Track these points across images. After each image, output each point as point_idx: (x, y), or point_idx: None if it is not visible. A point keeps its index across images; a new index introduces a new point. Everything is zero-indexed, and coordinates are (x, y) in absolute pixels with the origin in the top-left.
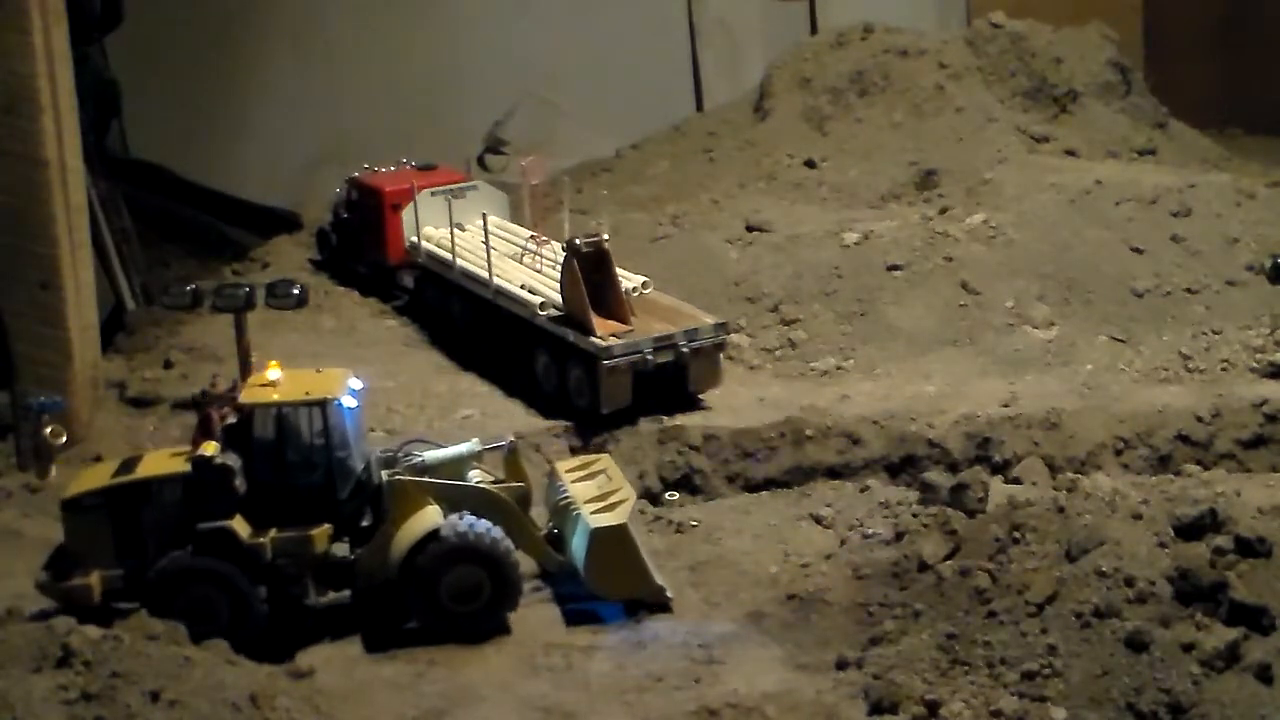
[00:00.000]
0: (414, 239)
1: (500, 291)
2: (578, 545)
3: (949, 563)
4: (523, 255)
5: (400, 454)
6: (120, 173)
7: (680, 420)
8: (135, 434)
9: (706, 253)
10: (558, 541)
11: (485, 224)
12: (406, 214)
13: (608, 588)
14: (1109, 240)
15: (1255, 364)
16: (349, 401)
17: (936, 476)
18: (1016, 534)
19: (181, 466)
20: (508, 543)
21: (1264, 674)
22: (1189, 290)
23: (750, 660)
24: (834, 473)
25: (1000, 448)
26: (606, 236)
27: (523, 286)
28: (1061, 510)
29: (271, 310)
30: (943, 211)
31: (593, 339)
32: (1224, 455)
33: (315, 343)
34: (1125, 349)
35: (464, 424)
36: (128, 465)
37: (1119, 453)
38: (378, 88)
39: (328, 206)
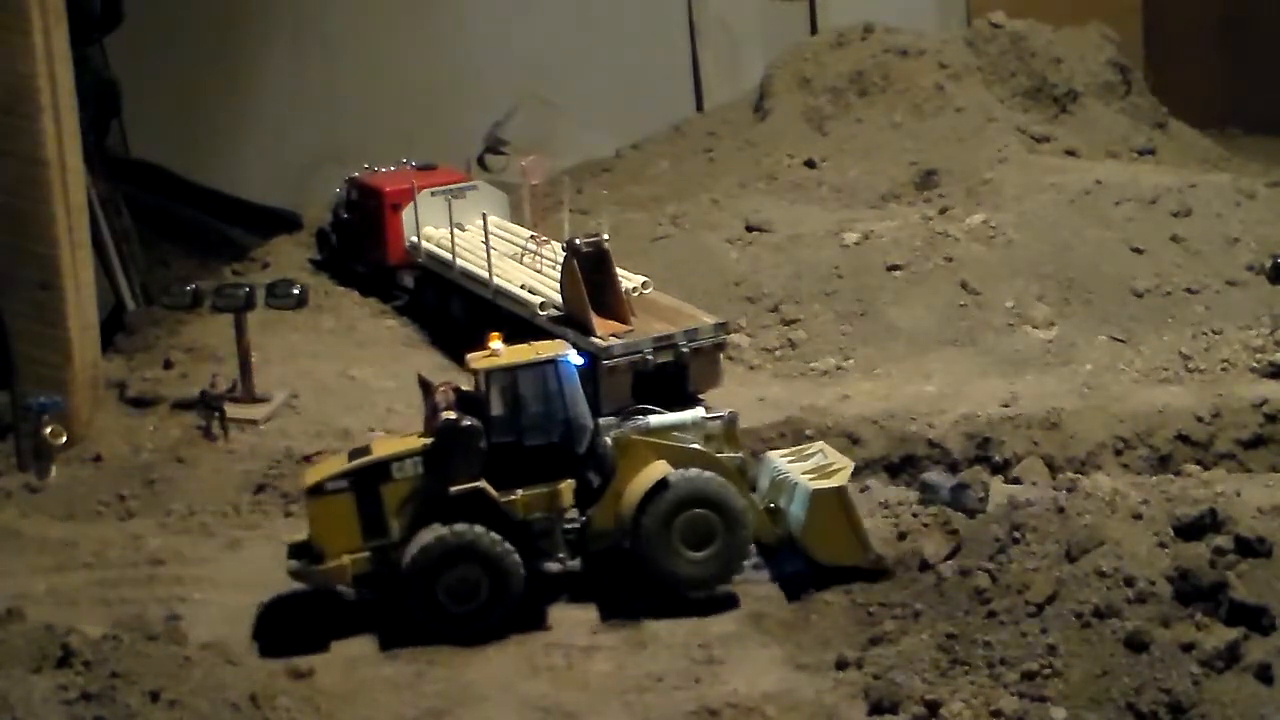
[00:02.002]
0: (414, 239)
1: (500, 291)
2: (796, 510)
3: (949, 563)
4: (523, 255)
5: (623, 417)
6: (120, 173)
7: None
8: (135, 434)
9: (706, 253)
10: (775, 517)
11: (485, 224)
12: (406, 214)
13: (826, 552)
14: (1109, 240)
15: (1255, 364)
16: (575, 359)
17: (936, 476)
18: (1016, 534)
19: (417, 444)
20: (734, 490)
21: (1264, 674)
22: (1189, 290)
23: (750, 660)
24: None
25: (1000, 448)
26: (606, 236)
27: (523, 286)
28: (1061, 510)
29: (271, 310)
30: (943, 211)
31: (593, 339)
32: (1224, 455)
33: (315, 343)
34: (1125, 349)
35: None
36: (361, 452)
37: (1119, 453)
38: (378, 88)
39: (328, 206)
